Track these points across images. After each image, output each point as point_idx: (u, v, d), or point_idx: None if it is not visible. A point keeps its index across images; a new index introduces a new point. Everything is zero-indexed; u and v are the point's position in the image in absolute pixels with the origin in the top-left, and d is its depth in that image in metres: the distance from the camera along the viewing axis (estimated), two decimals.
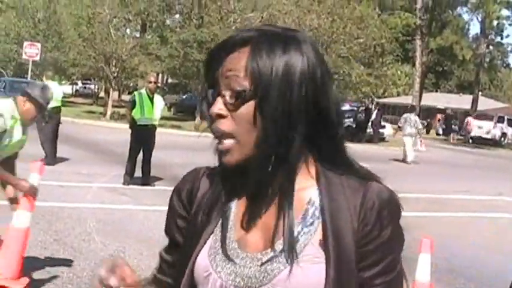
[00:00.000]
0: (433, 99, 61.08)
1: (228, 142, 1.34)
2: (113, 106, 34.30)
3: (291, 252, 1.31)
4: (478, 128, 40.84)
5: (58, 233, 7.93)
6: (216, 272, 1.37)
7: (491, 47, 65.17)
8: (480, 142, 39.52)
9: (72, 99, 52.07)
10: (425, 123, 48.76)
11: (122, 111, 31.98)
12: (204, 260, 1.40)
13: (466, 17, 68.84)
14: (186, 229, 1.49)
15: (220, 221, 1.42)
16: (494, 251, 9.34)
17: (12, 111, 5.09)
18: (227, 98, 1.33)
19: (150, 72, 18.61)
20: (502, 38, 73.38)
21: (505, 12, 52.51)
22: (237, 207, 1.43)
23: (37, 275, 6.08)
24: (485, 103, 56.74)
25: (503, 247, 9.62)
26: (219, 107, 1.34)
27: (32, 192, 5.39)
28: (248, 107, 1.32)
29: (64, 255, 6.99)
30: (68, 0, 37.82)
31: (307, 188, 1.38)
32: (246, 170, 1.37)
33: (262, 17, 32.94)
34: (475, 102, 50.00)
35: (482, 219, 12.08)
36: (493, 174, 21.40)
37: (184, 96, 48.88)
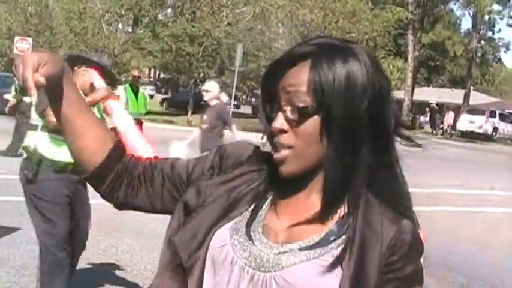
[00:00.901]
0: (425, 94, 61.17)
1: (284, 152, 1.35)
2: None
3: (311, 250, 1.33)
4: (469, 122, 41.01)
5: None
6: (232, 246, 1.37)
7: (482, 42, 65.42)
8: (472, 137, 39.69)
9: None
10: (411, 117, 48.96)
11: None
12: (225, 232, 1.39)
13: (458, 12, 69.08)
14: (203, 188, 1.48)
15: (253, 206, 1.43)
16: (487, 245, 9.37)
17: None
18: (288, 113, 1.34)
19: (143, 68, 18.59)
20: (493, 33, 73.80)
21: (496, 7, 52.59)
22: (274, 199, 1.44)
23: (29, 271, 6.06)
24: (477, 98, 56.86)
25: (496, 242, 9.68)
26: (280, 122, 1.35)
27: (110, 94, 5.23)
28: (312, 122, 1.32)
29: None
30: None
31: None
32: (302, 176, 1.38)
33: (254, 12, 32.91)
34: (467, 96, 50.12)
35: (474, 213, 12.13)
36: (485, 168, 21.50)
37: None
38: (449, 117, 43.75)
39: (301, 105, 1.32)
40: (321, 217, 1.37)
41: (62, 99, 1.45)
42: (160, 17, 37.96)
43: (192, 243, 1.41)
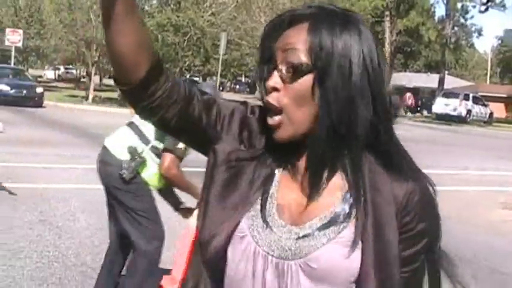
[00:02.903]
0: (402, 79, 61.83)
1: (277, 118, 1.32)
2: (95, 90, 34.74)
3: (328, 229, 1.31)
4: (445, 105, 42.06)
5: (43, 213, 7.87)
6: (252, 236, 1.34)
7: (456, 28, 66.11)
8: (447, 119, 40.50)
9: (55, 83, 52.53)
10: None
11: (104, 94, 32.52)
12: (243, 221, 1.36)
13: None
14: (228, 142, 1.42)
15: (264, 187, 1.39)
16: (462, 223, 9.43)
17: None
18: (283, 71, 1.30)
19: None
20: (466, 20, 74.66)
21: None
22: (282, 173, 1.41)
23: (24, 254, 6.19)
24: (452, 82, 57.83)
25: (470, 219, 9.94)
26: (275, 80, 1.31)
27: None
28: (306, 81, 1.29)
29: (50, 235, 6.97)
30: None
31: None
32: (301, 143, 1.34)
33: (237, 1, 33.57)
34: (442, 81, 50.83)
35: (449, 192, 11.85)
36: (459, 149, 21.44)
37: None
38: (407, 98, 46.06)
39: (296, 62, 1.28)
40: (311, 181, 1.34)
41: None
42: (146, 7, 38.51)
43: (212, 237, 1.37)
